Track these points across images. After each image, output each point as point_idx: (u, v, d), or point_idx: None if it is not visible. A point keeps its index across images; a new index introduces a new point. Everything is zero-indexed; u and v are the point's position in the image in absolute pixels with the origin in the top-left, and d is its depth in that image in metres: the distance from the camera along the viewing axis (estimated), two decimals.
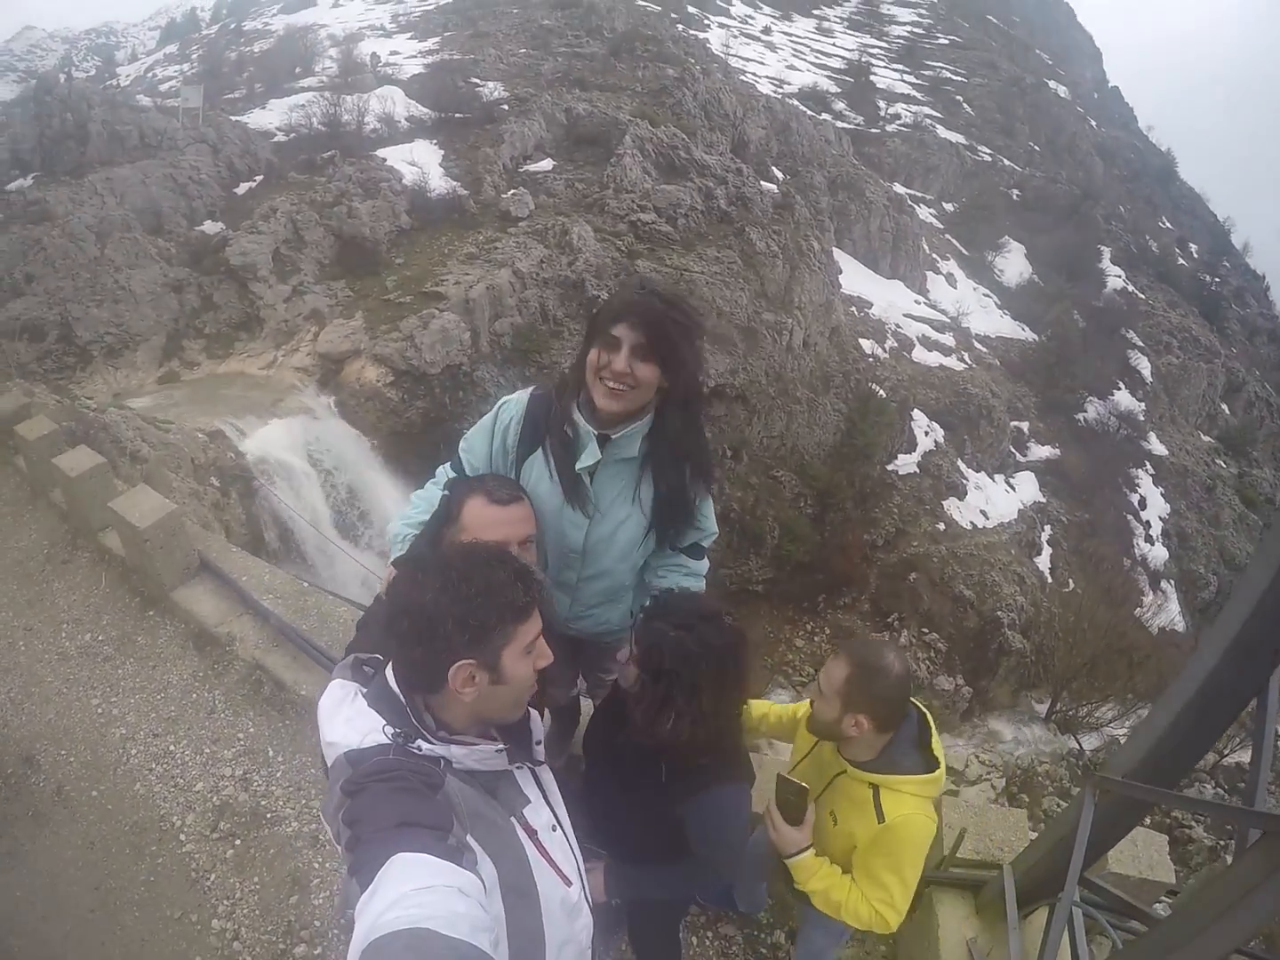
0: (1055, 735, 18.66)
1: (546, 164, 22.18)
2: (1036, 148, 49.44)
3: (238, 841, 3.58)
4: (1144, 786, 2.32)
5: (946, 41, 55.75)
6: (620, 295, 2.04)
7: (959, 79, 50.57)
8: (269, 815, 3.67)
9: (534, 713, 1.66)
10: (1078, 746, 16.44)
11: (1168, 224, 55.55)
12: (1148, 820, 8.25)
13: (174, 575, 4.78)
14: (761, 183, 23.56)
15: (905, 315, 27.39)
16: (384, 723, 1.41)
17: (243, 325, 16.28)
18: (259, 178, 19.35)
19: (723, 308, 19.23)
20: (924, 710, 2.31)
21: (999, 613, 19.86)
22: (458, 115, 23.26)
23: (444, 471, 2.42)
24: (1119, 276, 40.08)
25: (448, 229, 18.83)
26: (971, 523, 22.52)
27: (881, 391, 22.52)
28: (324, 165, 19.66)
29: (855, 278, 26.95)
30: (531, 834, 1.50)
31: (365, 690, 1.51)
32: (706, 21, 45.48)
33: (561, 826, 1.63)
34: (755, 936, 3.40)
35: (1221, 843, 8.84)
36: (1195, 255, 53.95)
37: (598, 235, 19.04)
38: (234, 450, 12.46)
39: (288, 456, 13.45)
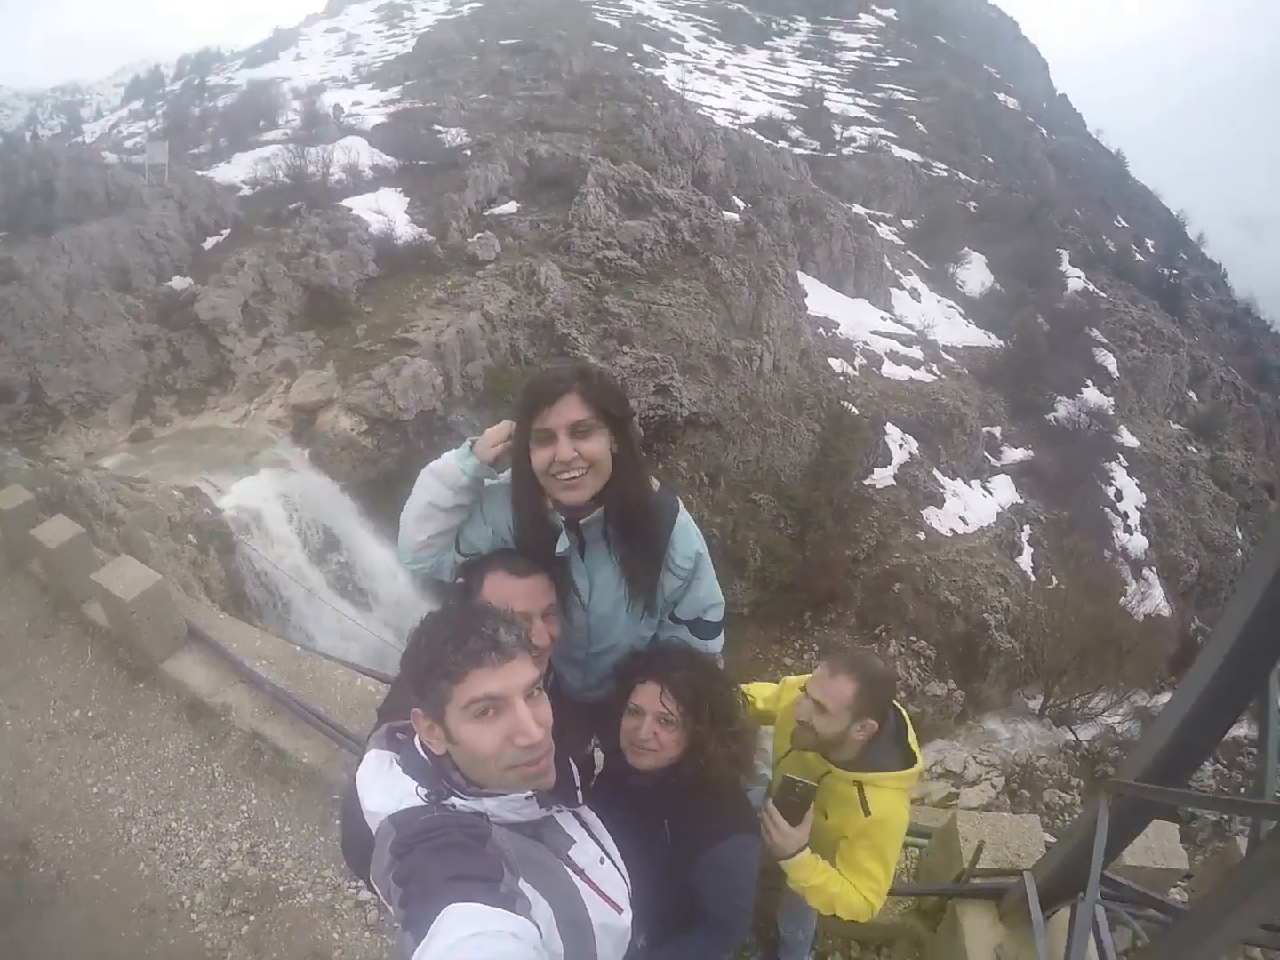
0: (1050, 729, 19.01)
1: (511, 206, 22.49)
2: (990, 159, 50.54)
3: (252, 918, 3.47)
4: (1157, 788, 2.44)
5: (896, 64, 57.07)
6: (530, 392, 1.94)
7: (910, 99, 51.71)
8: (281, 888, 3.56)
9: (571, 761, 1.72)
10: (1074, 738, 16.70)
11: (1123, 222, 56.83)
12: None
13: (162, 646, 4.66)
14: (724, 213, 24.06)
15: (872, 332, 27.84)
16: (416, 785, 1.46)
17: (214, 380, 16.28)
18: (226, 232, 19.52)
19: (692, 338, 19.56)
20: (900, 709, 2.47)
21: (985, 615, 20.07)
22: (421, 162, 23.58)
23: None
24: (1079, 277, 40.96)
25: (415, 275, 19.02)
26: (951, 529, 22.81)
27: (854, 408, 22.86)
28: (290, 217, 19.83)
29: (821, 299, 27.39)
30: (580, 872, 1.54)
31: (399, 757, 1.57)
32: (662, 59, 46.26)
33: (610, 858, 1.66)
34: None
35: (1224, 818, 8.94)
36: (1152, 250, 55.23)
37: (565, 274, 19.30)
38: (210, 507, 12.41)
39: (265, 510, 13.40)
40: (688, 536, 2.20)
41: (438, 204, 21.38)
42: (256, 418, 15.61)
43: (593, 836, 1.66)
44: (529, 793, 1.49)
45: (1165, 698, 20.06)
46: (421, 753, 1.53)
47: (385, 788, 1.50)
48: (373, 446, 15.42)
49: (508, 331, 17.52)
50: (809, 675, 2.41)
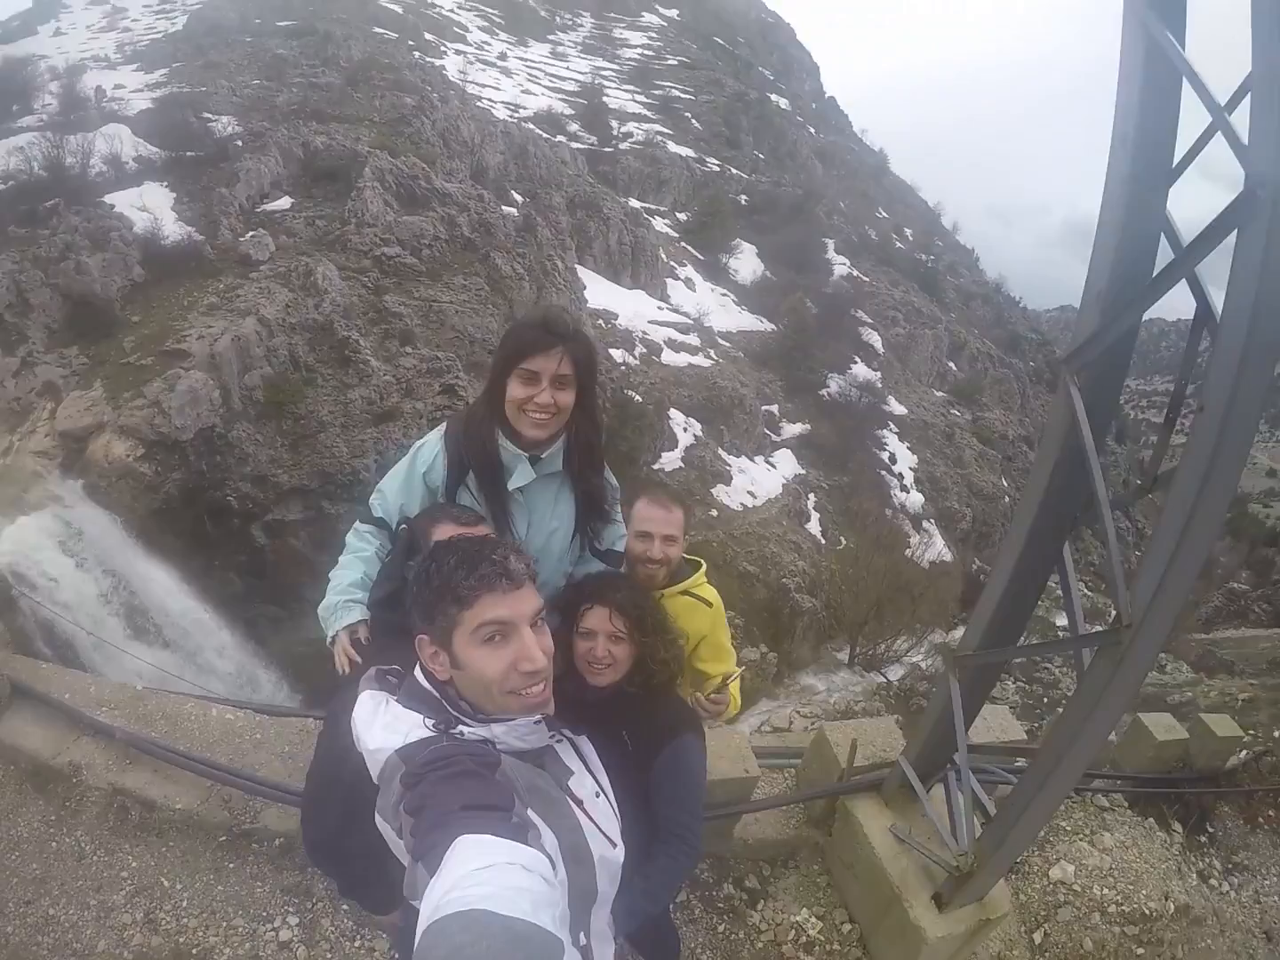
0: (861, 675, 20.87)
1: (285, 202, 21.92)
2: (761, 156, 53.13)
3: None
4: (993, 650, 2.91)
5: (675, 62, 58.70)
6: (526, 331, 2.16)
7: (687, 97, 53.38)
8: (194, 950, 3.19)
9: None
10: (885, 679, 18.30)
11: (884, 214, 61.49)
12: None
13: None
14: (503, 207, 24.51)
15: (650, 322, 28.90)
16: (423, 717, 1.47)
17: None
18: None
19: (475, 335, 20.08)
20: None
21: (784, 580, 21.83)
22: (189, 153, 22.21)
23: (358, 534, 2.44)
24: (844, 264, 44.06)
25: (185, 279, 18.16)
26: (741, 504, 24.45)
27: (637, 396, 23.84)
28: (47, 216, 18.15)
29: (599, 291, 28.15)
30: (579, 803, 1.54)
31: (396, 696, 1.57)
32: (443, 49, 45.50)
33: (604, 792, 1.67)
34: (709, 896, 3.62)
35: (1036, 726, 10.60)
36: (910, 238, 59.94)
37: (343, 273, 19.17)
38: None
39: (43, 556, 12.59)
40: (609, 474, 2.51)
41: (207, 200, 20.47)
42: (21, 450, 14.36)
43: (589, 769, 1.69)
44: (538, 716, 1.53)
45: (959, 633, 22.59)
46: (425, 683, 1.55)
47: (386, 725, 1.50)
48: (151, 473, 14.62)
49: (286, 337, 17.13)
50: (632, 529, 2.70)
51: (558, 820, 1.41)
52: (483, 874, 1.07)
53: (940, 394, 40.53)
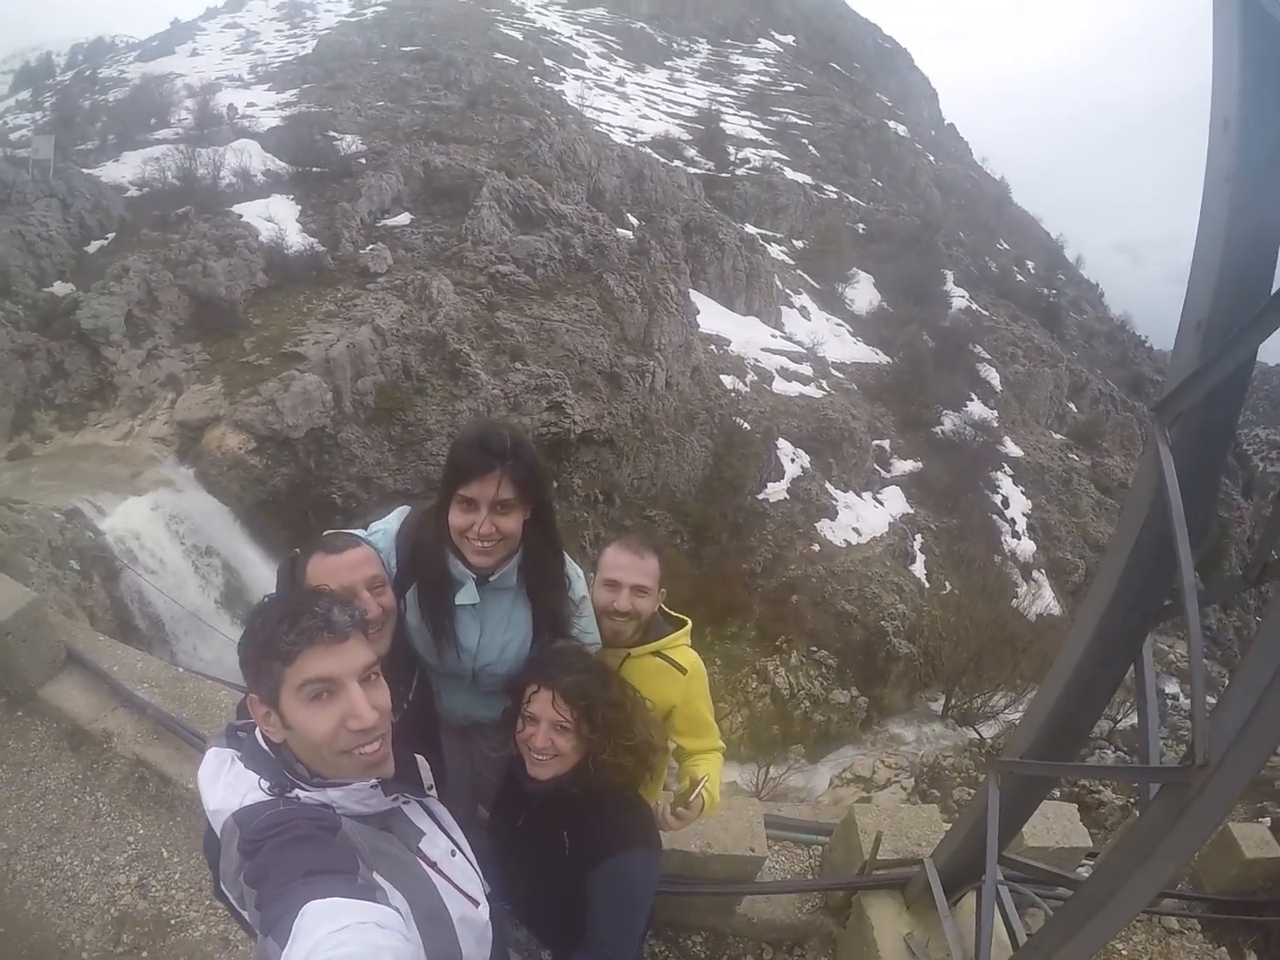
0: (954, 729, 19.69)
1: (404, 218, 22.41)
2: (879, 183, 52.25)
3: (144, 954, 3.27)
4: (1041, 764, 2.48)
5: (792, 88, 58.63)
6: (461, 453, 1.99)
7: (804, 123, 53.11)
8: (173, 921, 3.37)
9: (419, 758, 1.65)
10: (978, 736, 17.30)
11: (1005, 245, 59.46)
12: (1056, 792, 8.31)
13: (40, 670, 4.36)
14: (617, 230, 24.47)
15: (763, 349, 28.44)
16: (259, 778, 1.40)
17: (96, 394, 15.66)
18: (111, 235, 18.80)
19: (585, 354, 19.86)
20: None
21: (883, 622, 20.83)
22: (315, 169, 23.23)
23: None
24: (963, 297, 42.62)
25: (306, 287, 18.75)
26: (845, 540, 23.54)
27: (745, 424, 23.42)
28: (178, 222, 19.27)
29: (712, 317, 27.83)
30: (432, 865, 1.49)
31: (239, 754, 1.50)
32: (562, 74, 46.48)
33: (461, 850, 1.61)
34: None
35: (1131, 800, 9.60)
36: (1032, 271, 57.88)
37: (457, 288, 19.36)
38: (93, 530, 11.99)
39: (150, 534, 12.97)
40: (578, 575, 2.32)
41: (330, 213, 21.18)
42: (140, 435, 15.12)
43: (442, 829, 1.61)
44: (374, 781, 1.45)
45: None
46: (263, 744, 1.48)
47: (228, 785, 1.43)
48: (261, 466, 15.12)
49: (399, 347, 17.40)
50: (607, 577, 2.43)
51: (407, 882, 1.37)
52: (340, 935, 1.05)
53: (1059, 436, 38.40)
